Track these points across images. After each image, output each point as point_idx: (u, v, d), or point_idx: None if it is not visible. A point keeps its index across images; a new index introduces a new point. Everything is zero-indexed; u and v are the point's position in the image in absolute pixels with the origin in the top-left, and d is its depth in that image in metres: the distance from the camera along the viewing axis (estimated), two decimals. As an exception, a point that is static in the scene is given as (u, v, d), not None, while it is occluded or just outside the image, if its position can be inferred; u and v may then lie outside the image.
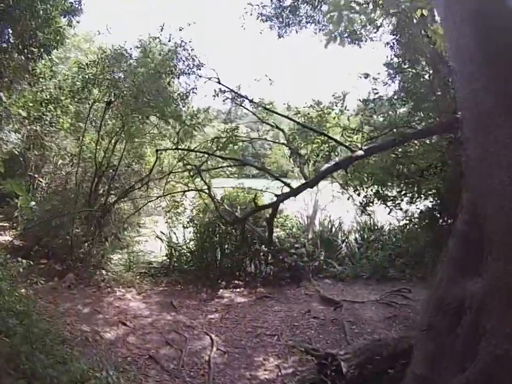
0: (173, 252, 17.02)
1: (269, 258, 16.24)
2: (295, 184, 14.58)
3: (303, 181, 13.54)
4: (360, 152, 11.84)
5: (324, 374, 8.88)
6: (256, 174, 23.11)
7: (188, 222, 17.06)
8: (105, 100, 15.62)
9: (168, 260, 17.04)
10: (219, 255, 16.34)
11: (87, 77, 15.07)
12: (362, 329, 12.11)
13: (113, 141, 16.61)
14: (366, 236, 19.53)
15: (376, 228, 20.06)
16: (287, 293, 15.20)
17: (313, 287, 15.60)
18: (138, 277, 15.79)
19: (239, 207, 16.16)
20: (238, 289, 15.31)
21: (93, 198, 16.64)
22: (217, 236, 16.30)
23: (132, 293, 14.39)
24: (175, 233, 17.84)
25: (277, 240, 15.83)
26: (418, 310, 12.76)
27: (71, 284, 14.37)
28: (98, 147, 16.43)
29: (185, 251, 16.96)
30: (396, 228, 18.20)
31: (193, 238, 17.00)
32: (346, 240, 19.39)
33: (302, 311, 13.50)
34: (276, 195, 13.59)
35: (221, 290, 15.18)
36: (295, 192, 13.35)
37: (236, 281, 15.75)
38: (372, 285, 16.14)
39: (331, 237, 19.08)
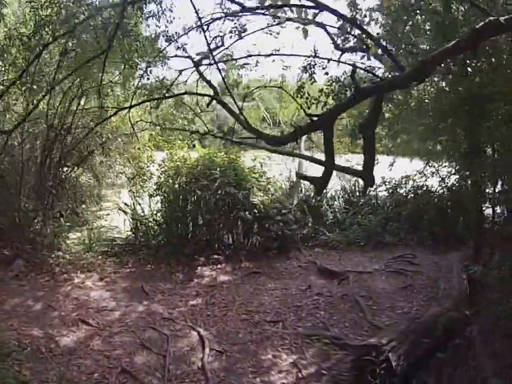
0: (139, 225, 13.90)
1: (254, 227, 13.27)
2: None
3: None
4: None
5: (368, 372, 6.26)
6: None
7: (154, 190, 13.90)
8: (61, 49, 12.21)
9: (133, 235, 13.93)
10: (191, 226, 13.37)
11: (40, 19, 11.48)
12: (380, 305, 9.59)
13: (68, 99, 13.29)
14: (353, 200, 16.96)
15: (362, 192, 17.33)
16: (277, 266, 12.35)
17: (305, 258, 12.91)
18: (100, 257, 12.77)
19: (218, 169, 13.05)
20: (219, 265, 12.29)
21: (46, 168, 13.41)
22: (190, 204, 13.28)
23: (93, 279, 11.30)
24: (140, 204, 14.56)
25: (261, 205, 12.90)
26: (433, 277, 10.91)
27: (20, 272, 11.28)
28: (51, 107, 13.10)
29: (152, 224, 13.87)
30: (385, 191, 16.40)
31: (161, 208, 13.91)
32: (332, 205, 16.84)
33: (300, 287, 10.74)
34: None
35: (199, 267, 12.12)
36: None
37: (216, 256, 12.70)
38: (368, 252, 13.56)
39: (317, 203, 16.26)
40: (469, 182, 11.88)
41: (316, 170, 17.71)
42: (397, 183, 15.73)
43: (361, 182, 17.04)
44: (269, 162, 14.98)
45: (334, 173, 17.56)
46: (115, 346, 7.99)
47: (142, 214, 14.15)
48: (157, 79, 12.14)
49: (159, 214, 13.86)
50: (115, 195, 18.61)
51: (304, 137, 17.75)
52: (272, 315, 9.24)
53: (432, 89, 11.77)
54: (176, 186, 13.37)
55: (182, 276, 11.61)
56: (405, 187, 15.48)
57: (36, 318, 8.98)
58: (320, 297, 10.00)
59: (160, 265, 12.25)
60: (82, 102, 13.96)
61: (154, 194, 13.86)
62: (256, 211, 12.71)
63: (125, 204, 14.93)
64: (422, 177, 14.92)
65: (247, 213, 12.62)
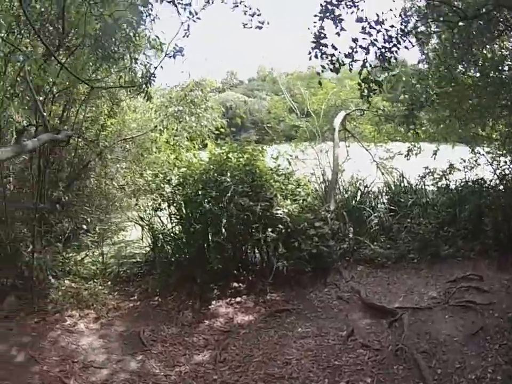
0: (156, 241, 11.40)
1: (279, 248, 10.14)
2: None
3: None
4: None
5: None
6: (259, 139, 19.95)
7: (158, 205, 11.47)
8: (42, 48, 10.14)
9: (151, 253, 11.59)
10: (206, 247, 10.28)
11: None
12: (446, 365, 6.88)
13: (61, 107, 11.76)
14: (398, 200, 13.92)
15: (408, 188, 14.68)
16: (311, 298, 9.64)
17: (346, 283, 10.17)
18: (106, 284, 10.75)
19: (229, 174, 10.43)
20: (238, 298, 9.65)
21: (44, 185, 11.23)
22: (199, 221, 10.42)
23: (88, 319, 9.13)
24: (158, 216, 12.05)
25: (288, 218, 10.09)
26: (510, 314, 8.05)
27: (10, 312, 9.30)
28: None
29: (169, 239, 11.30)
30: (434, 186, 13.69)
31: (177, 220, 11.42)
32: (376, 206, 13.78)
33: (340, 333, 8.09)
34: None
35: (213, 302, 9.53)
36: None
37: (236, 284, 10.10)
38: (422, 269, 10.76)
39: (358, 206, 13.43)
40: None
41: (354, 164, 15.48)
42: (441, 173, 13.25)
43: (407, 175, 14.91)
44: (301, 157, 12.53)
45: (374, 164, 15.24)
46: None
47: (162, 228, 11.79)
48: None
49: (177, 228, 11.50)
50: (133, 206, 16.03)
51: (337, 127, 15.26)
52: (300, 382, 6.68)
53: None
54: (190, 191, 10.82)
55: (192, 315, 9.16)
56: (454, 180, 13.01)
57: (15, 374, 7.16)
58: (366, 352, 7.41)
59: (169, 297, 9.89)
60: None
61: (158, 209, 11.55)
62: (281, 226, 9.97)
63: (139, 217, 12.78)
64: (469, 166, 12.92)
65: (269, 230, 9.89)
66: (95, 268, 11.44)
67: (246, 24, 9.06)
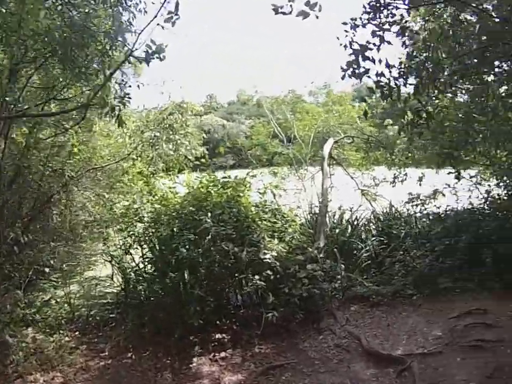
0: (128, 281, 10.39)
1: (269, 295, 8.89)
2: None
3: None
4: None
5: None
6: (235, 164, 19.73)
7: (127, 246, 10.73)
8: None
9: (123, 294, 10.44)
10: (182, 293, 9.00)
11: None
12: None
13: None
14: (389, 231, 12.96)
15: (397, 218, 13.84)
16: (305, 348, 8.43)
17: (342, 328, 9.03)
18: (74, 335, 9.55)
19: (210, 213, 9.36)
20: (223, 353, 8.39)
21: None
22: (173, 266, 9.24)
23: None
24: (129, 253, 11.02)
25: (277, 262, 9.02)
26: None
27: None
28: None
29: (141, 279, 10.18)
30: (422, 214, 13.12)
31: (150, 259, 10.37)
32: (366, 239, 12.67)
33: (344, 388, 6.92)
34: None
35: (194, 359, 8.27)
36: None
37: (218, 336, 8.81)
38: (421, 305, 9.82)
39: (347, 239, 12.49)
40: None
41: (337, 192, 14.80)
42: (424, 198, 12.98)
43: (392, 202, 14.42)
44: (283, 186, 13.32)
45: (358, 192, 14.61)
46: None
47: (135, 266, 10.75)
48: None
49: (149, 267, 10.46)
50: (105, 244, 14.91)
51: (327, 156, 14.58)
52: None
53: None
54: (164, 233, 9.91)
55: (172, 376, 7.91)
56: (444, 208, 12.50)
57: None
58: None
59: (144, 354, 8.65)
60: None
61: (128, 252, 10.78)
62: (270, 272, 8.84)
63: (109, 254, 11.87)
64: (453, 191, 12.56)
65: (256, 277, 8.72)
66: (62, 312, 10.43)
67: (281, 7, 6.30)
